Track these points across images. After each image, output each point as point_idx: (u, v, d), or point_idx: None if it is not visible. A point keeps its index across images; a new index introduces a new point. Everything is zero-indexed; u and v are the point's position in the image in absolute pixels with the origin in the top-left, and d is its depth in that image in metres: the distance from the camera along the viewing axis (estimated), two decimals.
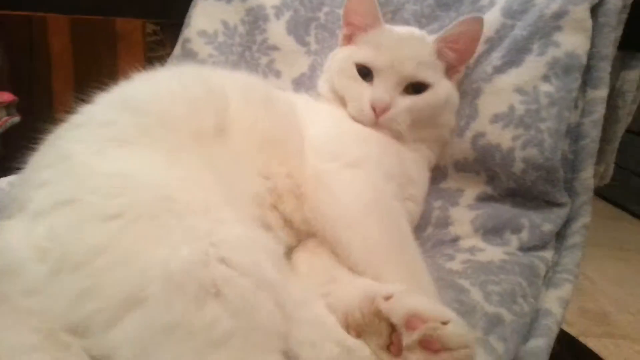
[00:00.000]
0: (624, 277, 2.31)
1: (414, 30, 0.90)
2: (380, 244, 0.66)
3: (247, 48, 1.03)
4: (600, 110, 0.82)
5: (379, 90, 0.82)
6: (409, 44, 0.85)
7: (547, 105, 0.81)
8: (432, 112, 0.85)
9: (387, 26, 0.89)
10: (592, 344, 1.83)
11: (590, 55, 0.82)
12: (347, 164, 0.73)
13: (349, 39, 0.90)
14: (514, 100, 0.83)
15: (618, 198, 3.06)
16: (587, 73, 0.83)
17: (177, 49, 1.04)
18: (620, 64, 0.95)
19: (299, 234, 0.73)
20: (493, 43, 0.89)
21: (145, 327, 0.43)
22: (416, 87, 0.83)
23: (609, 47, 0.82)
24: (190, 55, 1.03)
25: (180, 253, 0.46)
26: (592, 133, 0.82)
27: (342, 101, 0.87)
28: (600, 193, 3.22)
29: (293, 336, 0.55)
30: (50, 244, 0.48)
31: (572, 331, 1.88)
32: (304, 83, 1.02)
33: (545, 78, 0.82)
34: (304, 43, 1.03)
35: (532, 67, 0.83)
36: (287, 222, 0.72)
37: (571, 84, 0.81)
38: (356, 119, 0.84)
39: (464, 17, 0.84)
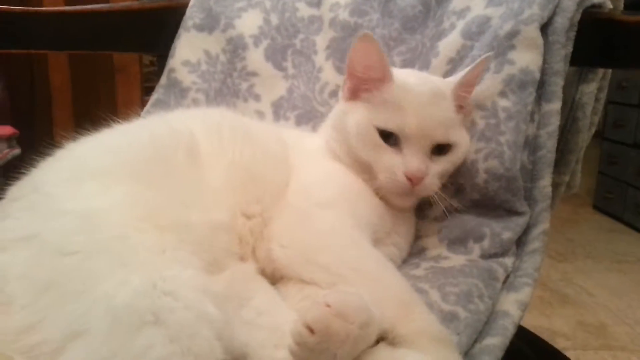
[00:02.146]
0: (622, 289, 2.31)
1: (429, 82, 0.85)
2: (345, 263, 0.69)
3: (229, 75, 1.10)
4: (555, 122, 0.87)
5: (413, 159, 0.78)
6: (434, 105, 0.81)
7: (505, 119, 0.86)
8: (454, 168, 0.85)
9: (397, 77, 0.82)
10: (590, 356, 1.84)
11: (543, 71, 0.87)
12: (318, 204, 0.77)
13: (354, 93, 0.86)
14: (475, 116, 0.88)
15: (615, 210, 3.07)
16: (541, 88, 0.87)
17: (163, 79, 1.11)
18: (578, 78, 1.00)
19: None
20: (455, 63, 0.95)
21: (85, 358, 0.47)
22: (441, 146, 0.82)
23: (559, 62, 0.87)
24: (175, 84, 1.09)
25: (130, 285, 0.50)
26: (549, 144, 0.86)
27: (364, 168, 0.82)
28: (598, 206, 3.24)
29: (249, 344, 0.59)
30: (5, 277, 0.52)
31: (570, 345, 1.89)
32: (283, 105, 1.08)
33: (503, 94, 0.87)
34: (281, 68, 1.09)
35: (490, 84, 0.88)
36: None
37: (526, 99, 0.86)
38: (388, 190, 0.81)
39: (480, 58, 0.83)
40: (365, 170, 0.83)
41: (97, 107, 0.77)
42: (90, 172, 0.66)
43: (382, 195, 0.82)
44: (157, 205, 0.64)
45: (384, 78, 0.82)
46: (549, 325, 2.00)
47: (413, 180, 0.78)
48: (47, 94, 2.31)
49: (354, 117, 0.83)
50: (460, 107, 0.84)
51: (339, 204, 0.78)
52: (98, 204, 0.60)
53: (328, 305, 0.53)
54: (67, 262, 0.53)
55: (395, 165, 0.79)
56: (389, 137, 0.80)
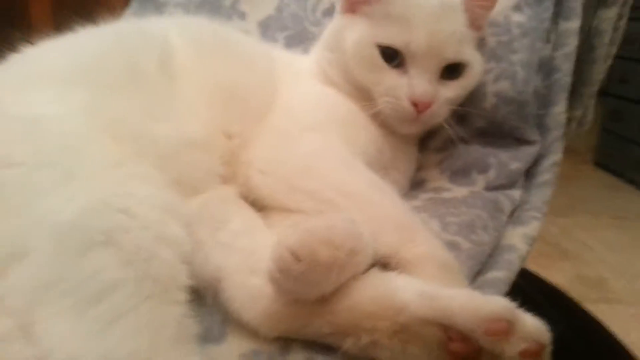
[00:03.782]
0: (620, 244, 2.29)
1: None
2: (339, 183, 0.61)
3: None
4: (572, 43, 0.78)
5: (420, 81, 0.68)
6: (445, 17, 0.70)
7: (519, 36, 0.77)
8: (466, 94, 0.75)
9: None
10: (588, 308, 1.82)
11: None
12: (305, 127, 0.68)
13: (353, 5, 0.74)
14: (485, 33, 0.79)
15: (617, 167, 3.02)
16: (559, 4, 0.79)
17: None
18: (597, 2, 0.91)
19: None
20: None
21: (26, 282, 0.41)
22: (452, 68, 0.71)
23: None
24: None
25: (77, 201, 0.44)
26: (565, 66, 0.78)
27: (363, 93, 0.72)
28: (599, 162, 3.18)
29: (223, 268, 0.53)
30: None
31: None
32: (271, 25, 0.98)
33: (517, 7, 0.78)
34: None
35: None
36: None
37: (543, 13, 0.77)
38: (391, 117, 0.71)
39: None
40: (363, 96, 0.72)
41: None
42: (44, 75, 0.58)
43: (382, 122, 0.72)
44: (120, 115, 0.57)
45: None
46: (548, 278, 1.98)
47: (419, 106, 0.68)
48: (27, 28, 2.19)
49: (352, 34, 0.72)
50: (472, 23, 0.73)
51: (330, 127, 0.69)
52: (50, 110, 0.53)
53: (311, 230, 0.45)
54: (9, 173, 0.46)
55: (399, 87, 0.69)
56: (392, 57, 0.70)
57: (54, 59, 0.62)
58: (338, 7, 0.79)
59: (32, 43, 0.66)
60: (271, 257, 0.45)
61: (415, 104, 0.68)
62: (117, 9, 0.99)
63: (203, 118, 0.65)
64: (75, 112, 0.54)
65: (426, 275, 0.50)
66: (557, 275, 2.00)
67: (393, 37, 0.69)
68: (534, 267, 1.99)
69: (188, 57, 0.67)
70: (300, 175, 0.62)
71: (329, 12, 0.96)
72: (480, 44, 0.78)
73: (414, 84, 0.68)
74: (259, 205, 0.65)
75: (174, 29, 0.70)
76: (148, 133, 0.58)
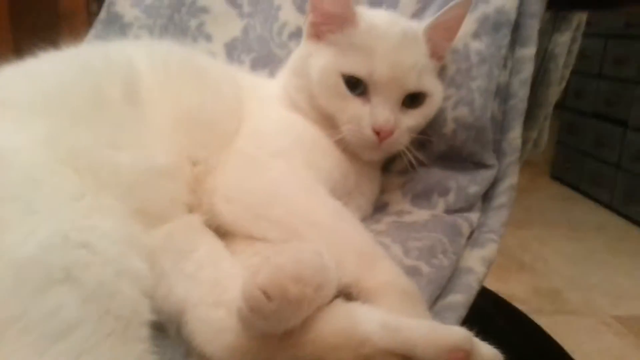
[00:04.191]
0: (577, 256, 2.35)
1: (399, 23, 0.76)
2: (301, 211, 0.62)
3: (176, 10, 0.99)
4: (528, 69, 0.81)
5: (382, 110, 0.70)
6: (406, 49, 0.72)
7: (478, 64, 0.80)
8: (426, 122, 0.77)
9: (364, 16, 0.73)
10: (544, 320, 1.86)
11: (519, 13, 0.81)
12: (269, 153, 0.68)
13: (318, 31, 0.75)
14: (446, 60, 0.81)
15: (572, 180, 3.12)
16: (516, 31, 0.81)
17: (102, 13, 1.00)
18: (552, 27, 0.94)
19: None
20: (426, 2, 0.87)
21: None
22: (413, 97, 0.73)
23: (537, 3, 0.80)
24: (115, 19, 0.99)
25: (36, 237, 0.44)
26: (520, 92, 0.81)
27: (328, 119, 0.74)
28: (555, 175, 3.28)
29: (187, 299, 0.53)
30: None
31: (525, 309, 1.91)
32: (237, 47, 0.98)
33: (476, 35, 0.80)
34: (235, 5, 0.99)
35: (463, 24, 0.81)
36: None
37: (501, 41, 0.79)
38: (353, 144, 0.72)
39: (456, 0, 0.75)
40: (328, 122, 0.74)
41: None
42: (4, 104, 0.57)
43: (346, 148, 0.74)
44: (82, 145, 0.56)
45: (350, 16, 0.72)
46: (505, 290, 2.01)
47: (381, 134, 0.70)
48: None
49: (317, 62, 0.74)
50: (434, 53, 0.76)
51: (294, 153, 0.69)
52: (10, 142, 0.52)
53: (281, 267, 0.46)
54: None
55: (362, 116, 0.71)
56: (356, 86, 0.71)
57: (14, 86, 0.60)
58: (304, 32, 0.80)
59: None
60: (242, 296, 0.45)
61: (377, 132, 0.70)
62: (80, 30, 0.98)
63: (168, 145, 0.64)
64: (36, 143, 0.53)
65: (387, 304, 0.51)
66: (515, 287, 2.05)
67: (357, 67, 0.71)
68: (492, 279, 2.03)
69: (153, 82, 0.67)
70: (264, 203, 0.62)
71: (295, 35, 0.97)
72: (441, 72, 0.80)
73: (376, 113, 0.70)
74: (222, 231, 0.65)
75: (140, 54, 0.70)
76: (111, 162, 0.57)
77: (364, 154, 0.74)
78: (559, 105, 3.18)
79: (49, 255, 0.43)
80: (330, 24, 0.73)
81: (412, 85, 0.72)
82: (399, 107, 0.72)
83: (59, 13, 2.25)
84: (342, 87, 0.71)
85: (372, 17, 0.75)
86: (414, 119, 0.74)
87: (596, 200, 2.91)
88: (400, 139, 0.73)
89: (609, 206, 2.81)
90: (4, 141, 0.52)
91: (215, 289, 0.54)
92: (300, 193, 0.64)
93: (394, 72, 0.70)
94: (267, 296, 0.44)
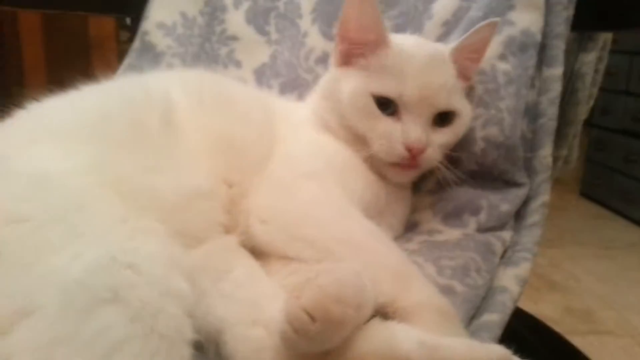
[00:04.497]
0: (608, 274, 2.30)
1: (427, 45, 0.79)
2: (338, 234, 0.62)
3: (207, 39, 1.02)
4: (556, 88, 0.82)
5: (413, 128, 0.71)
6: (435, 69, 0.74)
7: (505, 84, 0.81)
8: (457, 140, 0.78)
9: (394, 41, 0.75)
10: (578, 341, 1.82)
11: (544, 34, 0.82)
12: (303, 174, 0.70)
13: (346, 58, 0.77)
14: (474, 81, 0.82)
15: (602, 197, 3.07)
16: (542, 52, 0.83)
17: (136, 43, 1.03)
18: (578, 47, 0.95)
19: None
20: (450, 26, 0.89)
21: (36, 338, 0.41)
22: (443, 116, 0.75)
23: (561, 25, 0.82)
24: (149, 48, 1.02)
25: (84, 258, 0.45)
26: (550, 111, 0.81)
27: (358, 139, 0.75)
28: (584, 192, 3.23)
29: (225, 319, 0.54)
30: None
31: (557, 329, 1.87)
32: (265, 73, 1.01)
33: (502, 57, 0.82)
34: (264, 32, 1.02)
35: (489, 46, 0.82)
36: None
37: (527, 62, 0.81)
38: (384, 160, 0.73)
39: (481, 23, 0.77)
40: (358, 141, 0.75)
41: (71, 82, 0.70)
42: (50, 131, 0.60)
43: (377, 169, 0.75)
44: (124, 170, 0.58)
45: (380, 41, 0.74)
46: (536, 311, 1.96)
47: (413, 151, 0.71)
48: (20, 70, 2.21)
49: (348, 85, 0.75)
50: (461, 74, 0.77)
51: (327, 174, 0.71)
52: (56, 166, 0.54)
53: (323, 288, 0.47)
54: (16, 230, 0.47)
55: (394, 133, 0.72)
56: (387, 106, 0.73)
57: (59, 115, 0.63)
58: (332, 60, 0.82)
59: (33, 98, 0.67)
60: (286, 318, 0.46)
61: (409, 149, 0.71)
62: (110, 57, 1.02)
63: (205, 168, 0.66)
64: (81, 168, 0.55)
65: (424, 324, 0.52)
66: (547, 307, 2.01)
67: (387, 88, 0.72)
68: (522, 299, 2.00)
69: (189, 111, 0.69)
70: (299, 223, 0.63)
71: (321, 60, 0.99)
72: (469, 92, 0.81)
73: (407, 130, 0.71)
74: (257, 252, 0.66)
75: (176, 84, 0.72)
76: (152, 187, 0.59)
77: (395, 174, 0.75)
78: (587, 122, 3.13)
79: (96, 277, 0.44)
80: (362, 49, 0.75)
81: (442, 104, 0.73)
82: (429, 125, 0.73)
83: (89, 41, 2.33)
84: (373, 107, 0.73)
85: (400, 40, 0.76)
86: (445, 136, 0.75)
87: (627, 217, 2.85)
88: (433, 156, 0.73)
89: None
90: (52, 166, 0.54)
91: (253, 308, 0.55)
92: (333, 213, 0.65)
93: (424, 92, 0.72)
94: (311, 317, 0.45)
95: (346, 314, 0.46)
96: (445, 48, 0.78)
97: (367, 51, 0.74)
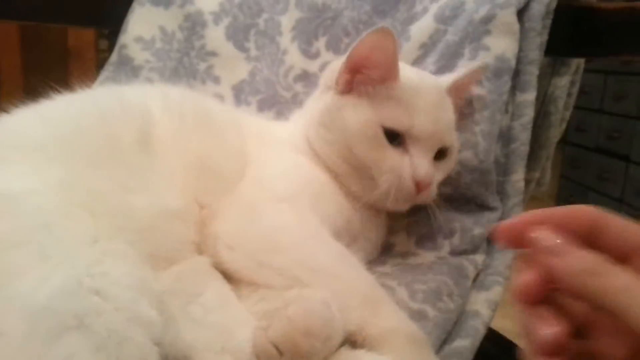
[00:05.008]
0: None
1: (430, 79, 0.78)
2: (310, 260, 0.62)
3: (186, 54, 1.02)
4: (529, 113, 0.83)
5: (422, 162, 0.70)
6: (443, 105, 0.75)
7: (480, 109, 0.82)
8: (448, 174, 0.79)
9: (403, 73, 0.73)
10: None
11: (518, 60, 0.83)
12: (273, 197, 0.68)
13: (348, 86, 0.75)
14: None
15: None
16: (516, 77, 0.84)
17: (114, 56, 1.02)
18: (551, 71, 0.97)
19: None
20: (427, 49, 0.90)
21: None
22: (442, 150, 0.75)
23: (535, 50, 0.83)
24: (126, 62, 1.01)
25: (51, 282, 0.44)
26: (522, 136, 0.83)
27: (362, 172, 0.73)
28: None
29: (194, 345, 0.53)
30: None
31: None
32: (244, 89, 1.01)
33: (477, 82, 0.83)
34: (243, 49, 1.01)
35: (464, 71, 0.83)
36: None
37: (502, 87, 0.82)
38: (391, 195, 0.71)
39: (476, 64, 0.80)
40: (361, 175, 0.73)
41: (49, 91, 0.68)
42: (19, 147, 0.58)
43: (373, 202, 0.73)
44: (97, 189, 0.57)
45: (394, 70, 0.72)
46: (512, 327, 1.98)
47: (420, 186, 0.70)
48: None
49: (355, 115, 0.72)
50: (455, 109, 0.78)
51: (299, 197, 0.69)
52: (23, 185, 0.53)
53: (292, 320, 0.47)
54: None
55: (402, 167, 0.70)
56: (394, 137, 0.71)
57: (29, 129, 0.61)
58: (323, 85, 0.81)
59: (8, 108, 0.64)
60: (253, 349, 0.46)
61: (417, 184, 0.70)
62: (88, 67, 1.01)
63: (179, 189, 0.65)
64: (51, 187, 0.53)
65: (394, 351, 0.52)
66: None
67: (397, 121, 0.71)
68: (498, 316, 2.01)
69: (168, 129, 0.68)
70: (266, 250, 0.62)
71: (300, 77, 0.99)
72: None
73: (417, 165, 0.70)
74: (228, 273, 0.65)
75: (157, 99, 0.71)
76: (126, 206, 0.58)
77: (396, 205, 0.73)
78: (562, 140, 3.19)
79: (62, 302, 0.43)
80: (372, 78, 0.72)
81: (447, 140, 0.74)
82: (433, 159, 0.73)
83: (67, 50, 2.30)
84: (382, 138, 0.71)
85: (405, 71, 0.75)
86: (442, 171, 0.76)
87: None
88: (433, 191, 0.74)
89: None
90: (17, 185, 0.52)
91: (221, 335, 0.54)
92: (303, 238, 0.64)
93: (435, 127, 0.72)
94: (279, 350, 0.45)
95: (314, 347, 0.46)
96: (443, 83, 0.77)
97: (375, 82, 0.73)
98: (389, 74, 0.72)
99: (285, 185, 0.71)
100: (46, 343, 0.41)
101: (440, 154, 0.75)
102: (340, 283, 0.59)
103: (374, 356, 0.50)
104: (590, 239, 0.40)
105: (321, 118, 0.77)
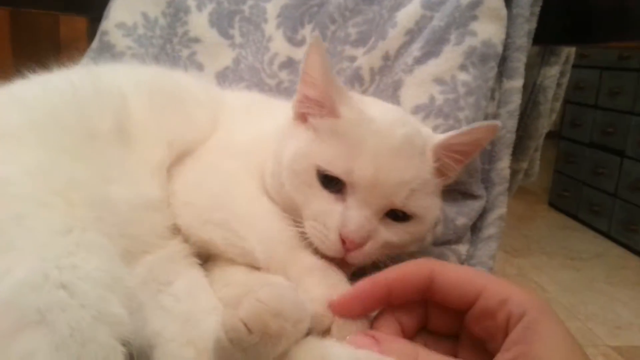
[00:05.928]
0: (574, 285, 2.34)
1: (406, 127, 0.61)
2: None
3: (168, 40, 1.00)
4: (515, 101, 0.82)
5: (356, 214, 0.57)
6: (405, 159, 0.59)
7: (465, 94, 0.80)
8: (412, 242, 0.64)
9: (357, 105, 0.62)
10: None
11: (506, 46, 0.82)
12: (229, 155, 0.69)
13: (303, 115, 0.65)
14: (434, 91, 0.82)
15: (570, 208, 3.12)
16: (503, 64, 0.83)
17: (95, 42, 1.00)
18: (540, 61, 0.96)
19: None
20: (413, 35, 0.88)
21: None
22: (399, 212, 0.60)
23: (522, 37, 0.82)
24: (107, 48, 0.99)
25: (14, 275, 0.41)
26: (509, 123, 0.81)
27: (293, 208, 0.62)
28: (553, 203, 3.28)
29: (161, 334, 0.52)
30: None
31: None
32: (228, 77, 0.99)
33: (463, 67, 0.81)
34: (227, 36, 0.99)
35: (450, 57, 0.82)
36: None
37: (488, 73, 0.81)
38: (315, 245, 0.59)
39: (480, 123, 0.68)
40: (293, 211, 0.62)
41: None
42: (3, 130, 0.55)
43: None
44: (74, 177, 0.54)
45: (340, 100, 0.61)
46: None
47: (347, 244, 0.57)
48: None
49: (292, 145, 0.63)
50: (440, 173, 0.64)
51: (250, 158, 0.69)
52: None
53: (262, 301, 0.45)
54: None
55: (330, 215, 0.58)
56: (331, 180, 0.59)
57: (3, 113, 0.59)
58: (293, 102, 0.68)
59: None
60: (222, 327, 0.45)
61: (343, 240, 0.57)
62: (81, 58, 0.99)
63: (158, 175, 0.64)
64: (25, 173, 0.51)
65: (312, 285, 0.54)
66: None
67: (333, 164, 0.59)
68: None
69: (140, 111, 0.66)
70: (212, 207, 0.63)
71: (285, 65, 0.97)
72: (429, 102, 0.81)
73: (348, 216, 0.57)
74: (203, 257, 0.64)
75: (130, 81, 0.69)
76: (104, 197, 0.56)
77: (328, 256, 0.59)
78: (556, 135, 3.21)
79: (25, 296, 0.41)
80: (313, 104, 0.63)
81: (399, 202, 0.59)
82: (379, 216, 0.59)
83: (59, 41, 2.27)
84: (313, 177, 0.60)
85: (371, 108, 0.63)
86: (397, 235, 0.60)
87: (594, 228, 2.90)
88: (371, 253, 0.59)
89: (607, 235, 2.80)
90: None
91: (188, 325, 0.52)
92: (241, 193, 0.66)
93: (379, 178, 0.57)
94: (248, 329, 0.43)
95: (283, 328, 0.45)
96: (430, 139, 0.64)
97: (322, 111, 0.62)
98: (325, 100, 0.62)
99: (241, 145, 0.72)
100: (7, 339, 0.39)
101: (402, 216, 0.60)
102: (270, 234, 0.61)
103: (340, 345, 0.48)
104: (429, 292, 0.47)
105: (276, 146, 0.67)
